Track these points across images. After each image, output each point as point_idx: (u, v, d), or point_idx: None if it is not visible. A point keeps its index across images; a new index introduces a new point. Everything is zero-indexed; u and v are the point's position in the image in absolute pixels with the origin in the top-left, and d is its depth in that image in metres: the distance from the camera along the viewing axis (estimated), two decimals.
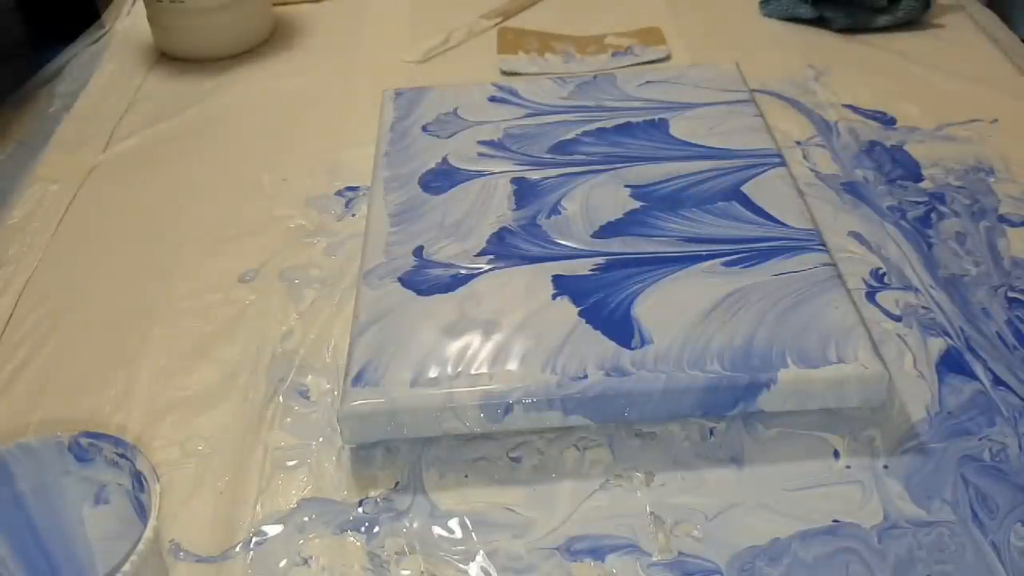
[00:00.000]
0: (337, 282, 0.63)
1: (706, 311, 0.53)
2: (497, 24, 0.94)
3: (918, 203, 0.67)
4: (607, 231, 0.60)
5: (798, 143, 0.73)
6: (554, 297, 0.55)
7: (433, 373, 0.51)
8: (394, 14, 0.97)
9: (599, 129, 0.69)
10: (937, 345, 0.56)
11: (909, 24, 0.87)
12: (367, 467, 0.51)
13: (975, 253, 0.62)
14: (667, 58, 0.86)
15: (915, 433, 0.51)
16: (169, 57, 0.91)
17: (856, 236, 0.64)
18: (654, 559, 0.46)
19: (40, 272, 0.66)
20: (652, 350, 0.51)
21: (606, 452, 0.51)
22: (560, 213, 0.62)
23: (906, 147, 0.72)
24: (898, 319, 0.58)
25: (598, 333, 0.52)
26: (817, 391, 0.50)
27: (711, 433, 0.52)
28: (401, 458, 0.52)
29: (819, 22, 0.89)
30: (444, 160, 0.67)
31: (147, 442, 0.53)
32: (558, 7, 0.96)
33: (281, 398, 0.56)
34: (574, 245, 0.59)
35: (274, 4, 0.95)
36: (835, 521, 0.47)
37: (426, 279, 0.57)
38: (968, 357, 0.55)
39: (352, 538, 0.48)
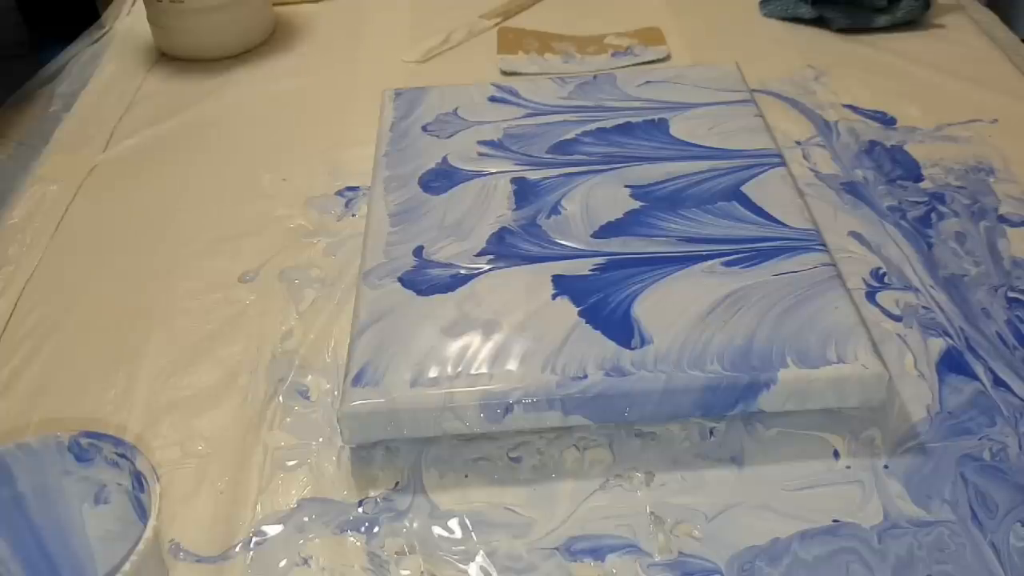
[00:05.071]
0: (337, 282, 0.63)
1: (706, 311, 0.53)
2: (497, 24, 0.94)
3: (918, 203, 0.67)
4: (607, 231, 0.60)
5: (798, 143, 0.73)
6: (554, 297, 0.55)
7: (433, 373, 0.51)
8: (394, 14, 0.97)
9: (599, 129, 0.69)
10: (937, 345, 0.56)
11: (909, 24, 0.87)
12: (367, 467, 0.51)
13: (975, 253, 0.62)
14: (667, 58, 0.86)
15: (915, 433, 0.51)
16: (169, 57, 0.91)
17: (856, 236, 0.64)
18: (654, 559, 0.46)
19: (40, 272, 0.66)
20: (652, 350, 0.51)
21: (606, 452, 0.51)
22: (560, 213, 0.61)
23: (906, 147, 0.72)
24: (898, 319, 0.58)
25: (598, 333, 0.52)
26: (817, 391, 0.50)
27: (711, 433, 0.52)
28: (401, 458, 0.52)
29: (819, 22, 0.89)
30: (444, 160, 0.67)
31: (147, 442, 0.53)
32: (558, 7, 0.96)
33: (281, 398, 0.56)
34: (574, 245, 0.59)
35: (274, 4, 0.95)
36: (835, 521, 0.47)
37: (426, 279, 0.57)
38: (968, 357, 0.55)
39: (352, 538, 0.48)
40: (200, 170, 0.76)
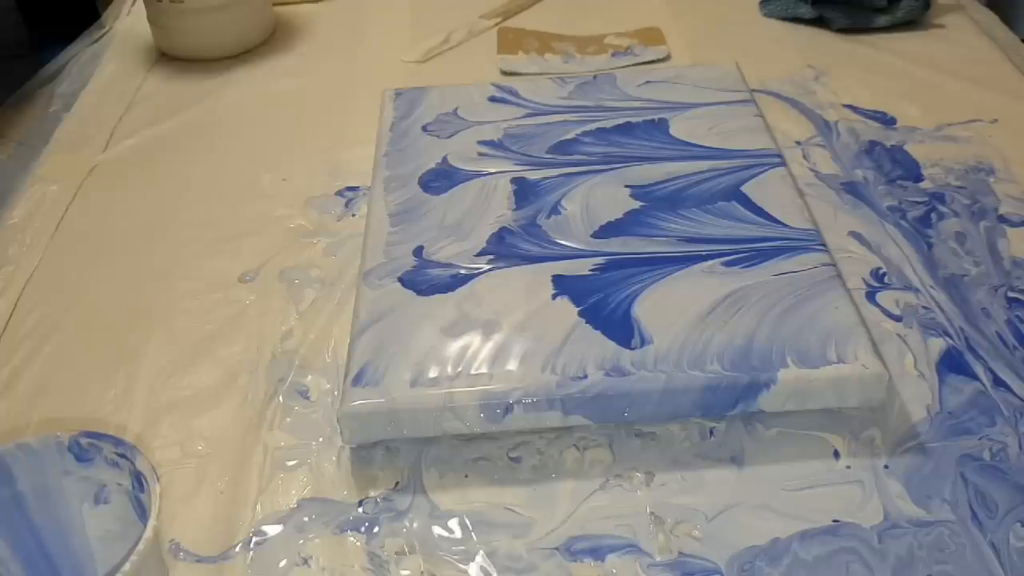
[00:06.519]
0: (337, 282, 0.63)
1: (706, 311, 0.53)
2: (497, 24, 0.94)
3: (918, 203, 0.67)
4: (607, 231, 0.60)
5: (798, 143, 0.73)
6: (554, 297, 0.55)
7: (433, 373, 0.51)
8: (394, 14, 0.97)
9: (599, 129, 0.69)
10: (937, 345, 0.56)
11: (909, 24, 0.87)
12: (367, 467, 0.51)
13: (975, 253, 0.62)
14: (667, 58, 0.86)
15: (915, 433, 0.51)
16: (169, 57, 0.91)
17: (856, 236, 0.64)
18: (654, 559, 0.46)
19: (40, 272, 0.66)
20: (652, 350, 0.51)
21: (606, 452, 0.51)
22: (560, 213, 0.62)
23: (906, 147, 0.72)
24: (898, 319, 0.58)
25: (598, 333, 0.52)
26: (817, 391, 0.50)
27: (711, 433, 0.52)
28: (401, 458, 0.52)
29: (819, 22, 0.89)
30: (444, 160, 0.67)
31: (147, 442, 0.53)
32: (558, 7, 0.96)
33: (281, 398, 0.56)
34: (574, 245, 0.59)
35: (274, 4, 0.95)
36: (835, 521, 0.47)
37: (426, 279, 0.57)
38: (968, 357, 0.55)
39: (352, 538, 0.48)
40: (200, 170, 0.76)
